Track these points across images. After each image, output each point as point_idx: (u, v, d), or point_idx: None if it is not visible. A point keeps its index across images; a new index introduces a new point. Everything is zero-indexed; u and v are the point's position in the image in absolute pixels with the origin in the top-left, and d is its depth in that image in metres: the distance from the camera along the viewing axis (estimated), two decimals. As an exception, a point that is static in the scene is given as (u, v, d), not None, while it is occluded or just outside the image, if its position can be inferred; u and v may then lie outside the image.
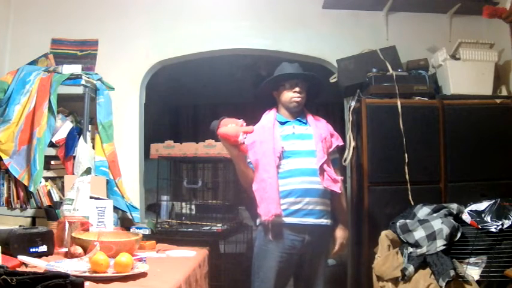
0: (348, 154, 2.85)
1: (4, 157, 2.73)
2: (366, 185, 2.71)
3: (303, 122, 2.39)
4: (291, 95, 2.36)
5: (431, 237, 2.24)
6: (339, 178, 2.30)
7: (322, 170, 2.25)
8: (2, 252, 1.65)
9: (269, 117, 2.41)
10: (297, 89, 2.35)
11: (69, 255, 1.86)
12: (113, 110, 3.07)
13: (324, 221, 2.26)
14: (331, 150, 2.36)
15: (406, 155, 2.70)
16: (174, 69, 3.56)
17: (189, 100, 6.25)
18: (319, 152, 2.26)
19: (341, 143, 2.46)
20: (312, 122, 2.39)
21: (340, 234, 2.37)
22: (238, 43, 3.33)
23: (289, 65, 2.45)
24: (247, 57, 4.42)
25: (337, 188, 2.27)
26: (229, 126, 2.19)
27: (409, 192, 2.66)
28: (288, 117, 2.40)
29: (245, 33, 3.32)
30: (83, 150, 2.79)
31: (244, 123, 2.23)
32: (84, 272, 1.58)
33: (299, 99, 2.36)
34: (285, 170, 2.24)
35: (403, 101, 2.77)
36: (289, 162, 2.25)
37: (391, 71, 2.88)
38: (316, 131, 2.33)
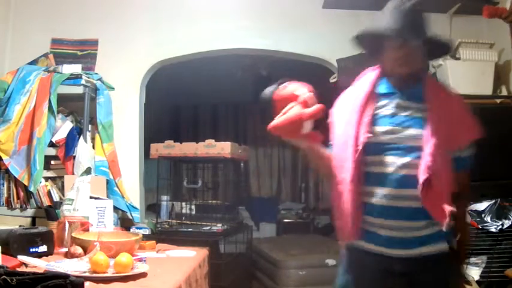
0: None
1: (4, 157, 2.73)
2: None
3: (417, 97, 1.51)
4: (393, 56, 1.51)
5: (432, 237, 2.24)
6: (448, 209, 1.39)
7: (427, 184, 1.41)
8: (2, 252, 1.65)
9: (366, 80, 1.61)
10: (402, 52, 1.48)
11: (69, 255, 1.86)
12: (113, 110, 3.07)
13: (424, 251, 1.47)
14: (456, 149, 1.51)
15: (406, 155, 2.67)
16: (174, 69, 3.56)
17: (189, 100, 6.25)
18: (428, 154, 1.41)
19: (475, 136, 1.54)
20: (434, 96, 1.50)
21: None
22: (238, 43, 3.33)
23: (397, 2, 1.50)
24: (247, 57, 4.43)
25: (442, 220, 1.40)
26: (289, 107, 1.43)
27: (410, 192, 2.64)
28: (395, 84, 1.54)
29: (245, 33, 3.31)
30: (83, 150, 2.79)
31: (310, 95, 1.45)
32: (84, 272, 1.58)
33: (404, 67, 1.50)
34: (367, 171, 1.49)
35: (403, 101, 2.76)
36: (376, 160, 1.48)
37: (391, 70, 2.87)
38: (436, 115, 1.46)
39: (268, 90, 1.51)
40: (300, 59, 3.37)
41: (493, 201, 2.33)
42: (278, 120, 1.42)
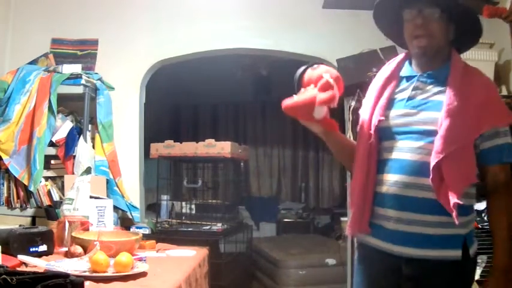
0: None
1: (4, 157, 2.73)
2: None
3: (439, 79, 1.41)
4: (410, 28, 1.43)
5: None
6: (453, 200, 1.26)
7: (438, 172, 1.30)
8: (2, 252, 1.65)
9: (391, 65, 1.54)
10: (419, 21, 1.39)
11: (69, 254, 1.87)
12: (112, 109, 3.07)
13: (433, 254, 1.34)
14: (480, 134, 1.35)
15: (406, 155, 2.67)
16: (174, 69, 3.57)
17: (189, 100, 6.25)
18: (440, 137, 1.31)
19: (501, 122, 1.38)
20: (458, 79, 1.38)
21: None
22: (238, 43, 3.33)
23: None
24: (247, 57, 4.44)
25: (451, 211, 1.27)
26: (308, 89, 1.38)
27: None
28: (417, 66, 1.47)
29: (245, 33, 3.31)
30: (83, 149, 2.79)
31: (331, 81, 1.38)
32: (84, 271, 1.59)
33: (421, 39, 1.40)
34: (381, 158, 1.41)
35: (403, 101, 2.75)
36: (390, 146, 1.40)
37: (391, 70, 2.87)
38: (455, 98, 1.33)
39: (300, 69, 1.46)
40: (300, 59, 3.37)
41: (493, 201, 2.33)
42: (292, 100, 1.37)
